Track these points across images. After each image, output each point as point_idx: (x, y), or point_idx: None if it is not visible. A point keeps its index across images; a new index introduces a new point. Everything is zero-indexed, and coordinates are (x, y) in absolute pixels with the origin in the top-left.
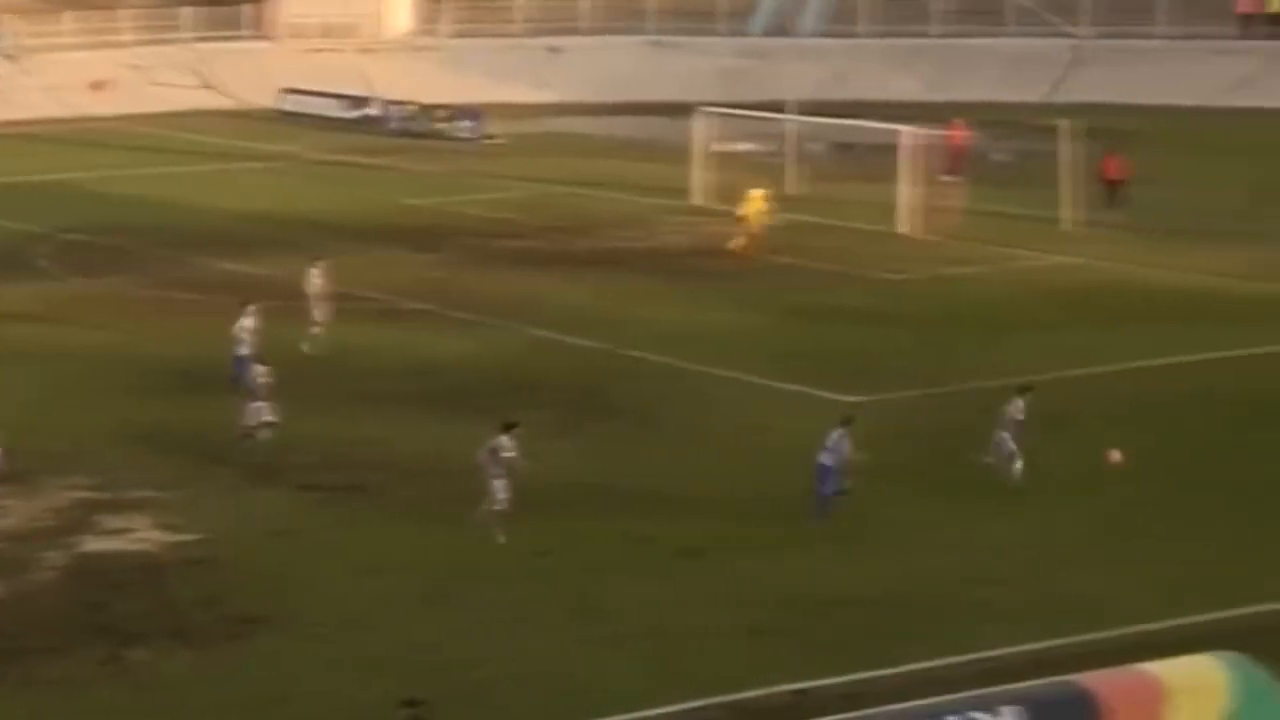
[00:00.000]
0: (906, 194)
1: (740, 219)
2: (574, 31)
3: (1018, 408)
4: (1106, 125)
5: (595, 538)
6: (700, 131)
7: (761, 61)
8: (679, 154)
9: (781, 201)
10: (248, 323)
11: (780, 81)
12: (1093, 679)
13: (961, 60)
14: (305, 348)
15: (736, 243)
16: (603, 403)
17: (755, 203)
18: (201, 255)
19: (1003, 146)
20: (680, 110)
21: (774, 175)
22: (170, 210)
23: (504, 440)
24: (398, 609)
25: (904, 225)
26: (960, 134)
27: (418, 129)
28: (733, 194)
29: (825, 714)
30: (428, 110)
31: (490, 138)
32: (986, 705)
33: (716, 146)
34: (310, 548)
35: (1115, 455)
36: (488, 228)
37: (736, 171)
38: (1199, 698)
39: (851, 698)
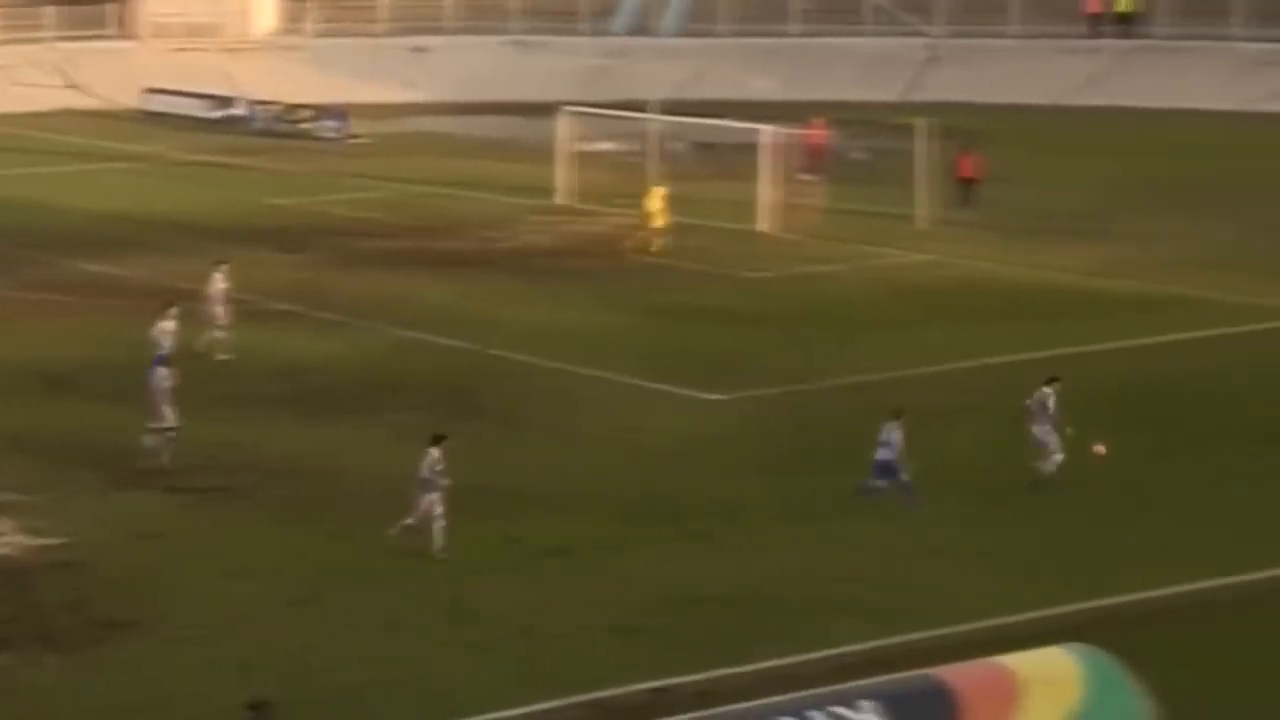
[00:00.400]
0: (766, 193)
1: (643, 218)
2: (438, 31)
3: (1044, 396)
4: (961, 124)
5: (464, 539)
6: (563, 131)
7: (623, 61)
8: (542, 153)
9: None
10: (167, 325)
11: (641, 81)
12: (949, 672)
13: (819, 59)
14: (217, 354)
15: (639, 240)
16: (470, 403)
17: (656, 201)
18: (65, 256)
19: (860, 145)
20: (543, 110)
21: (636, 174)
22: (33, 211)
23: (435, 454)
24: (267, 612)
25: (764, 224)
26: (819, 133)
27: (283, 129)
28: (597, 193)
29: (682, 711)
30: (293, 110)
31: (355, 137)
32: (845, 700)
33: (579, 146)
34: (178, 551)
35: (1100, 449)
36: (353, 228)
37: (599, 171)
38: (1052, 688)
39: (709, 695)
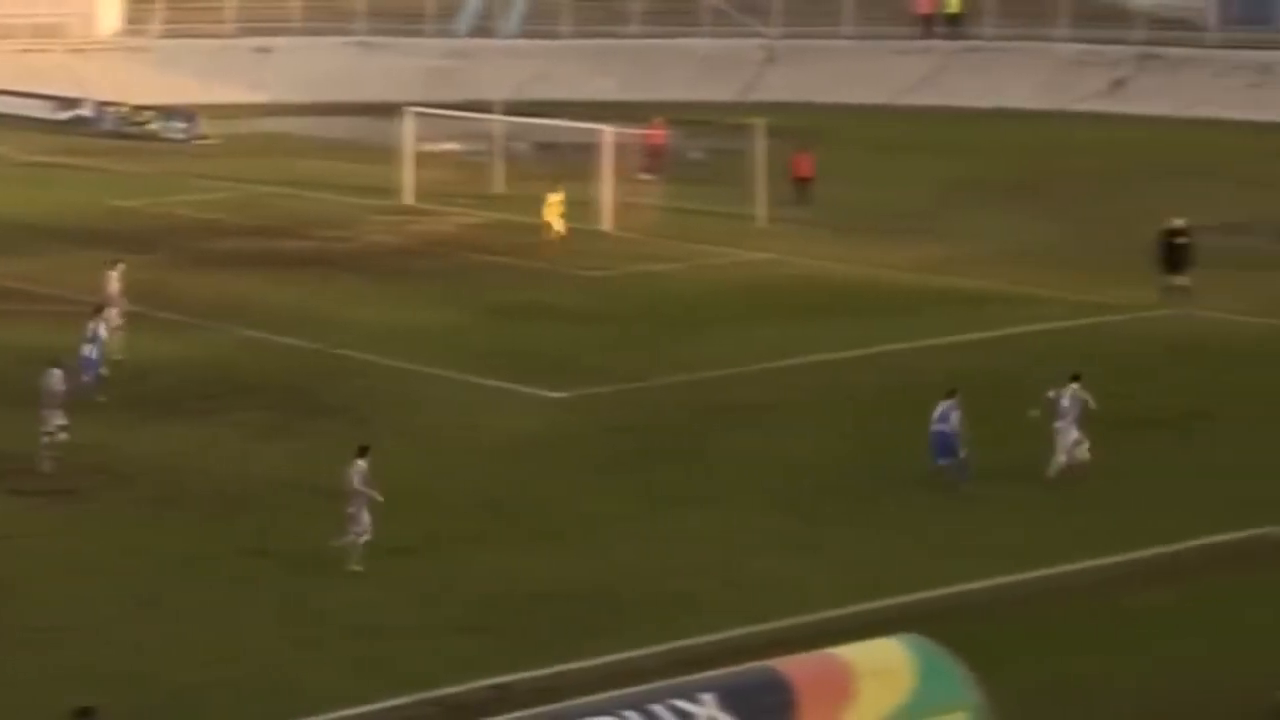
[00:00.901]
0: (607, 192)
1: (545, 221)
2: (283, 32)
3: (1070, 393)
4: (796, 123)
5: (306, 538)
6: (407, 131)
7: (466, 62)
8: (387, 154)
9: (486, 200)
10: (98, 326)
11: (484, 81)
12: (785, 664)
13: (658, 60)
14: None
15: (546, 247)
16: (313, 402)
17: (554, 205)
18: None
19: (698, 145)
20: (388, 110)
21: (480, 174)
22: None
23: (361, 464)
24: (110, 614)
25: (605, 223)
26: (657, 133)
27: (130, 130)
28: (441, 193)
29: (524, 708)
30: (139, 111)
31: (202, 138)
32: (685, 693)
33: (423, 146)
34: (23, 553)
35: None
36: (199, 228)
37: (443, 171)
38: (885, 679)
39: (551, 691)
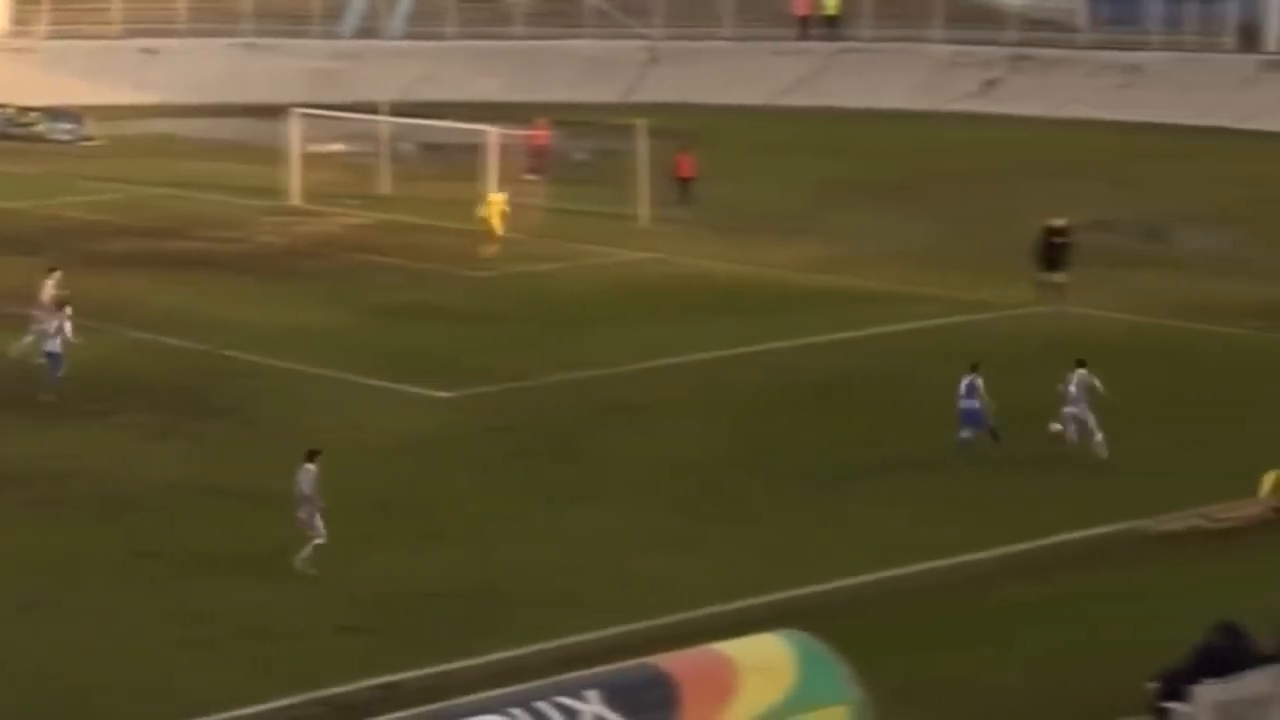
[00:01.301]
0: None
1: (483, 222)
2: (170, 34)
3: (1077, 379)
4: (678, 124)
5: (195, 539)
6: (294, 133)
7: (352, 63)
8: (274, 155)
9: (373, 201)
10: (62, 323)
11: (370, 83)
12: (669, 660)
13: (542, 61)
14: (35, 359)
15: (488, 249)
16: (202, 403)
17: (495, 206)
18: None
19: (582, 146)
20: (274, 111)
21: (366, 175)
22: None
23: (310, 469)
24: None
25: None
26: (542, 134)
27: (15, 131)
28: (328, 194)
29: (411, 706)
30: (25, 112)
31: (89, 140)
32: (570, 691)
33: (310, 147)
34: None
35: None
36: (86, 230)
37: (330, 171)
38: (766, 674)
39: (438, 690)
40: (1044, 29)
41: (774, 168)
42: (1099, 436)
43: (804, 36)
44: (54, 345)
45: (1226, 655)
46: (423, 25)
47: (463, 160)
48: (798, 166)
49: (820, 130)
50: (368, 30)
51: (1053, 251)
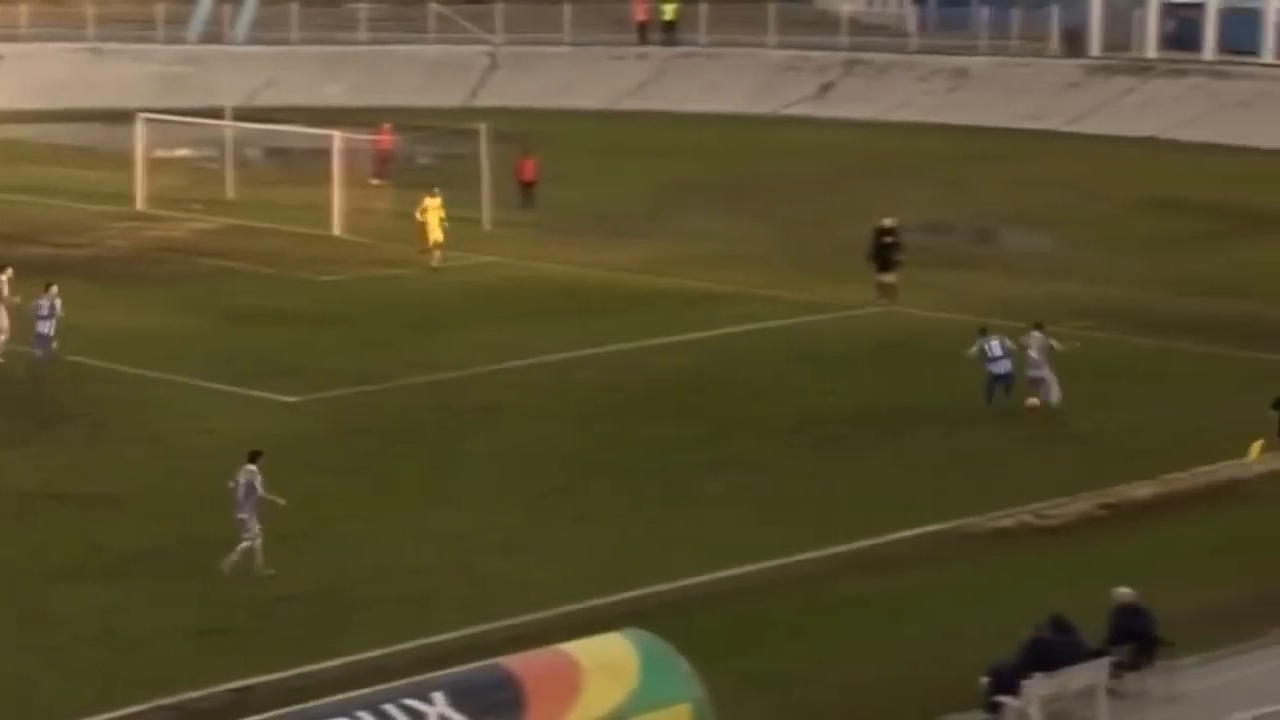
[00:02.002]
0: (339, 197)
1: (420, 227)
2: (13, 39)
3: (1037, 340)
4: (520, 128)
5: (45, 545)
6: (140, 138)
7: (197, 68)
8: (120, 160)
9: (219, 206)
10: (52, 302)
11: (216, 87)
12: (515, 661)
13: (386, 66)
14: None
15: (428, 255)
16: (50, 409)
17: (433, 211)
18: None
19: (426, 150)
20: (120, 116)
21: (213, 180)
22: None
23: (252, 469)
24: None
25: (337, 228)
26: (386, 138)
27: None
28: (174, 199)
29: (264, 710)
30: None
31: None
32: (418, 693)
33: (156, 152)
34: None
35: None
36: None
37: (176, 176)
38: (611, 674)
39: (291, 693)
40: (876, 34)
41: (614, 171)
42: (1056, 395)
43: (643, 42)
44: (45, 327)
45: (1055, 649)
46: (268, 31)
47: (308, 165)
48: (637, 169)
49: (659, 134)
50: (213, 35)
51: (883, 251)
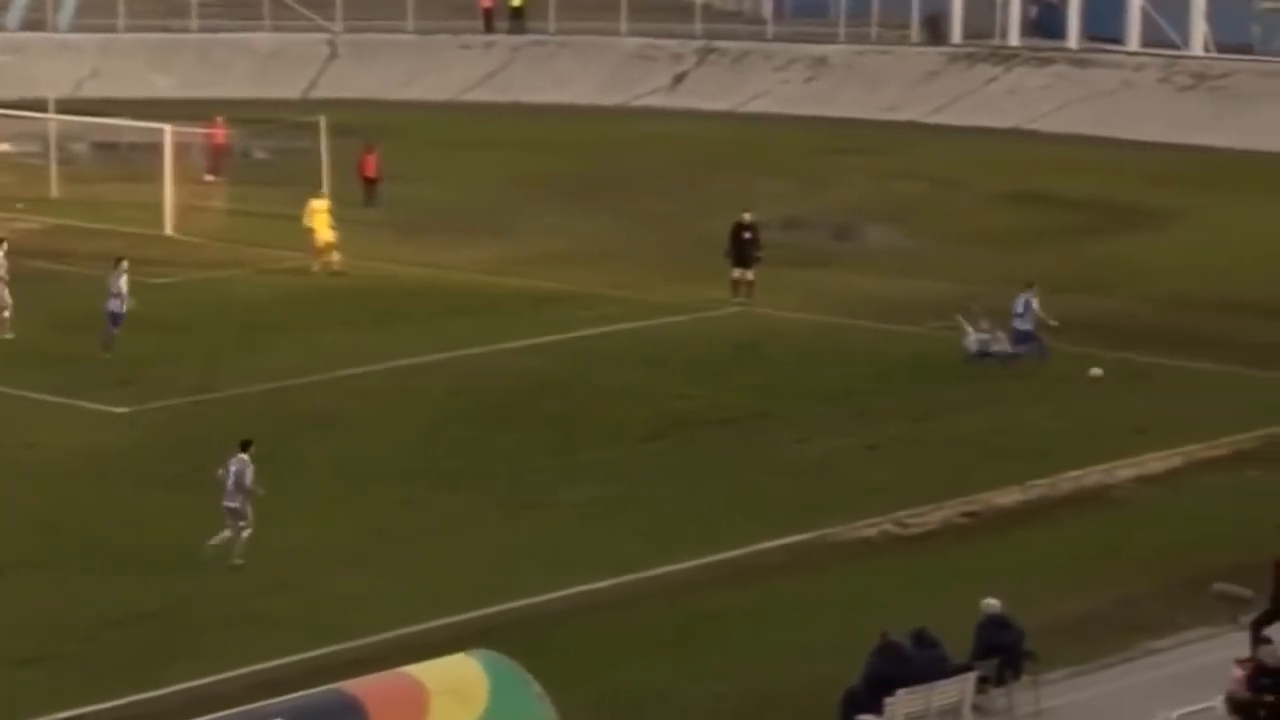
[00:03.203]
0: (171, 195)
1: (308, 233)
2: None
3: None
4: (362, 121)
5: None
6: None
7: (17, 57)
8: None
9: (43, 204)
10: (119, 279)
11: (38, 78)
12: (358, 685)
13: (219, 56)
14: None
15: (325, 261)
16: None
17: (319, 214)
18: None
19: (263, 145)
20: None
21: (35, 177)
22: None
23: (243, 458)
24: None
25: (169, 228)
26: (220, 132)
27: None
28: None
29: None
30: None
31: None
32: (257, 719)
33: None
34: None
35: (1096, 372)
36: None
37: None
38: (459, 696)
39: None
40: (731, 21)
41: (461, 166)
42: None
43: (490, 30)
44: (115, 304)
45: (906, 655)
46: (93, 18)
47: (137, 161)
48: (485, 164)
49: (507, 126)
50: (35, 22)
51: (740, 248)
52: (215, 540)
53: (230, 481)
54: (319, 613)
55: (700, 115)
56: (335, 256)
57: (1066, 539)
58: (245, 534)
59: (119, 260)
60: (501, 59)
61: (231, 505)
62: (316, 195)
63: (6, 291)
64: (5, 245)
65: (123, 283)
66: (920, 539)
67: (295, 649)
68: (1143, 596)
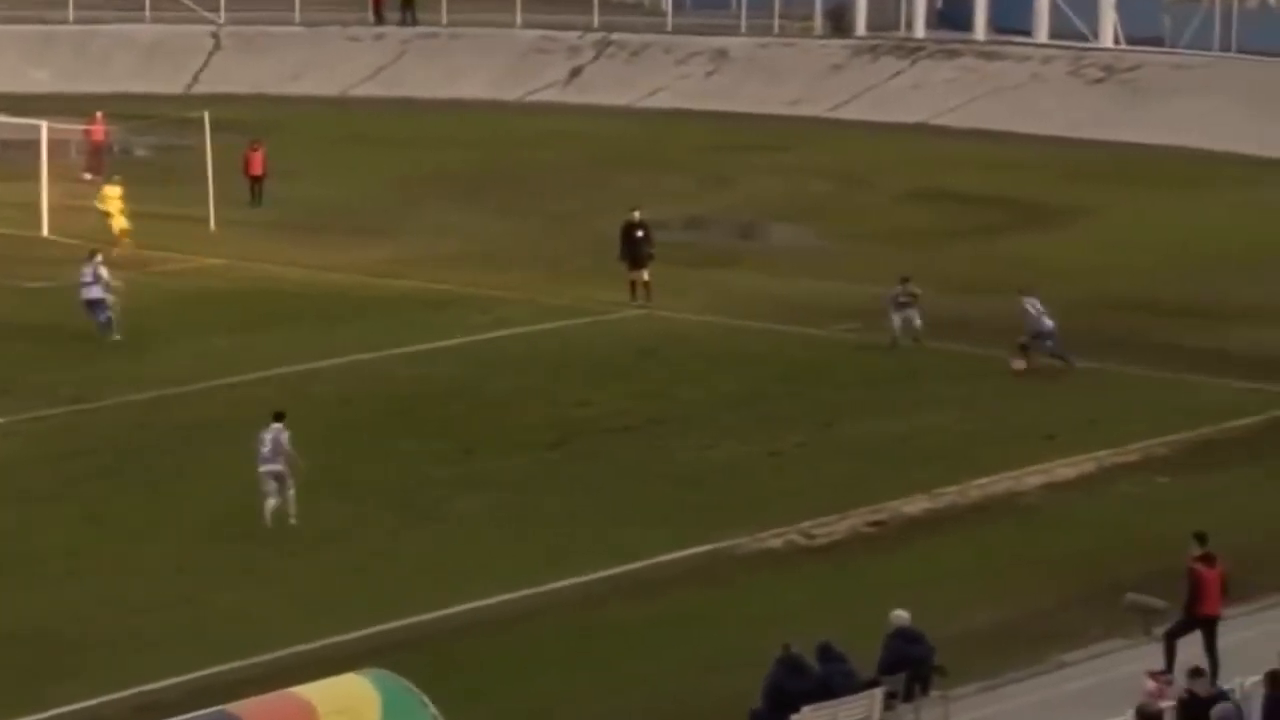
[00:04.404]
0: (47, 194)
1: (104, 218)
2: None
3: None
4: (248, 117)
5: None
6: None
7: None
8: None
9: None
10: (95, 269)
11: None
12: (243, 707)
13: (97, 49)
14: None
15: (122, 248)
16: None
17: (112, 200)
18: None
19: (143, 141)
20: None
21: None
22: None
23: (278, 427)
24: None
25: (45, 228)
26: (99, 128)
27: None
28: None
29: None
30: None
31: None
32: None
33: None
34: None
35: (1019, 364)
36: None
37: None
38: (350, 717)
39: None
40: (630, 13)
41: (351, 163)
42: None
43: (380, 21)
44: (93, 292)
45: (819, 677)
46: None
47: (12, 158)
48: (376, 162)
49: (398, 122)
50: None
51: (633, 247)
52: (268, 512)
53: (267, 448)
54: (199, 632)
55: (597, 110)
56: (128, 244)
57: (976, 548)
58: (291, 493)
59: (92, 252)
60: (392, 52)
61: (273, 469)
62: (109, 183)
63: None
64: None
65: (99, 270)
66: (826, 549)
67: (178, 669)
68: (1054, 607)
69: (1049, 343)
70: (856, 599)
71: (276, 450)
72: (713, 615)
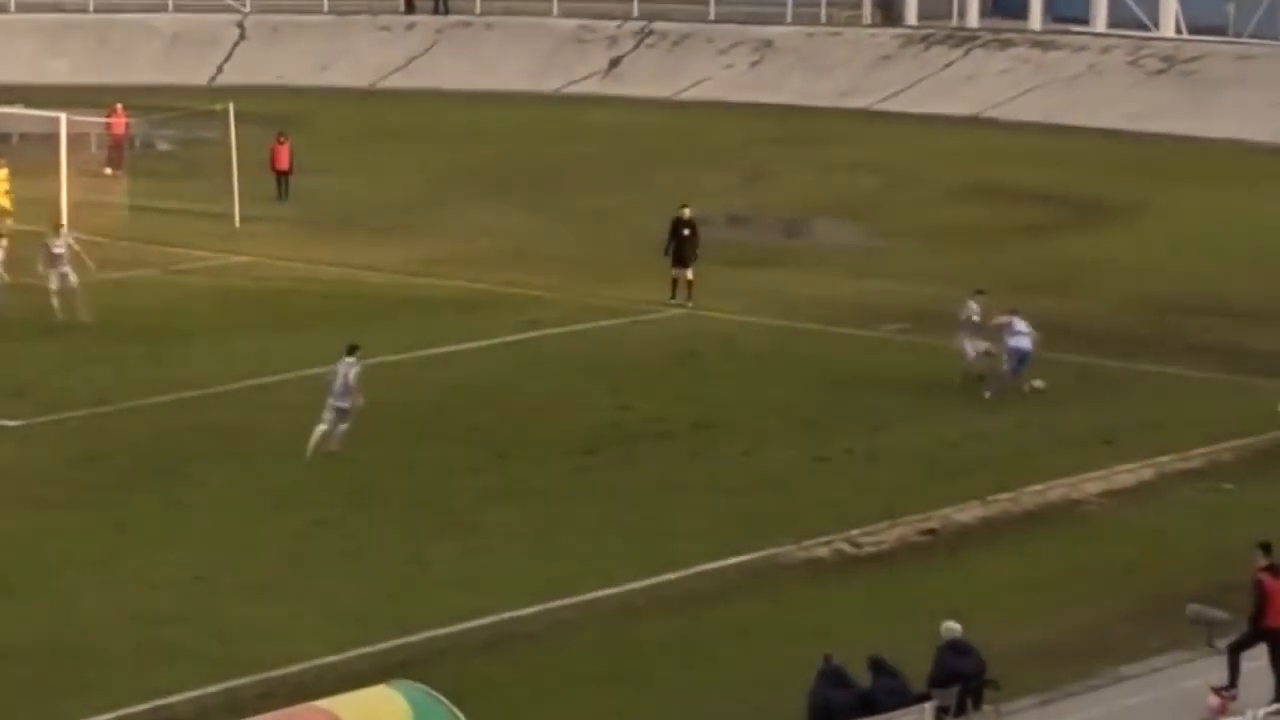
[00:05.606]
0: (66, 190)
1: None
2: None
3: (971, 310)
4: (274, 110)
5: None
6: None
7: None
8: None
9: None
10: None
11: None
12: None
13: (119, 39)
14: None
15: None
16: None
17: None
18: None
19: (166, 135)
20: None
21: None
22: None
23: (350, 360)
24: None
25: (68, 226)
26: (120, 121)
27: None
28: None
29: None
30: None
31: None
32: None
33: None
34: None
35: (1038, 383)
36: None
37: None
38: None
39: None
40: (671, 1)
41: (381, 158)
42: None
43: (411, 10)
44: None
45: (867, 689)
46: None
47: (30, 152)
48: (406, 156)
49: (430, 115)
50: None
51: (679, 245)
52: (315, 435)
53: (339, 383)
54: (224, 644)
55: (637, 103)
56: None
57: (1030, 558)
58: (343, 427)
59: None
60: (424, 42)
61: (341, 405)
62: None
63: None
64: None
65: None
66: (875, 559)
67: (200, 683)
68: (1111, 619)
69: (1020, 366)
70: (906, 610)
71: (346, 389)
72: (756, 628)
